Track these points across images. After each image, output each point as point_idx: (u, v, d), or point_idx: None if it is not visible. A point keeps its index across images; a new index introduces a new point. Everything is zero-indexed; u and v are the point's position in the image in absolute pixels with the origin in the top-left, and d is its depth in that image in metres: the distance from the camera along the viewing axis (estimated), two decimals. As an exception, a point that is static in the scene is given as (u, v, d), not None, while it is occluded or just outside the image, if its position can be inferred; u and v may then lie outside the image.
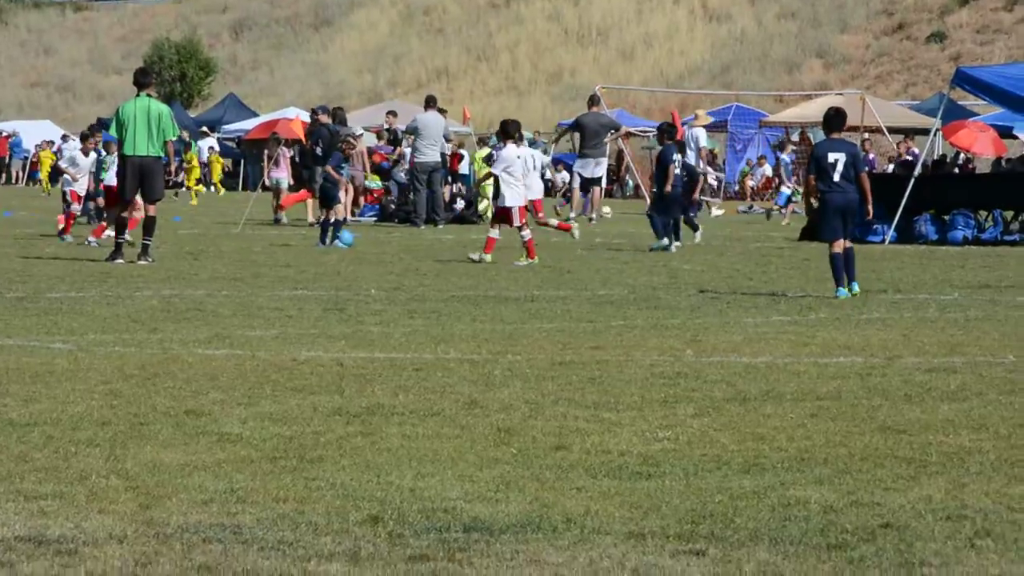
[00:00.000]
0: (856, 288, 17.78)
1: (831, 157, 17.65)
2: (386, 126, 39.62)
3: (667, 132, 27.30)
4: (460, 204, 36.62)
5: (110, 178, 26.59)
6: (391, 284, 18.95)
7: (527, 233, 22.68)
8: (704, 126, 40.69)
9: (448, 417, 9.55)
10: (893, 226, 29.01)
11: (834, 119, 18.02)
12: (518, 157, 22.85)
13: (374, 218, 35.84)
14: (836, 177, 17.57)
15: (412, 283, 19.19)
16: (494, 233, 22.86)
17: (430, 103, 34.94)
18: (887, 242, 28.75)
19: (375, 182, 36.49)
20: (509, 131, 23.29)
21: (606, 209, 38.82)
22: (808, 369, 11.84)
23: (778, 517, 7.06)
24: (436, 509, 7.12)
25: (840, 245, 17.67)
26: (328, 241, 25.70)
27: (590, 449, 8.58)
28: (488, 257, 22.55)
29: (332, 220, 26.03)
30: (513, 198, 22.61)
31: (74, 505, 7.12)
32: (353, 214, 32.88)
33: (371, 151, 37.17)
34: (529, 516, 7.00)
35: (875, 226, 29.21)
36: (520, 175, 22.71)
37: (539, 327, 14.58)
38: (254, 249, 25.19)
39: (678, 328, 14.61)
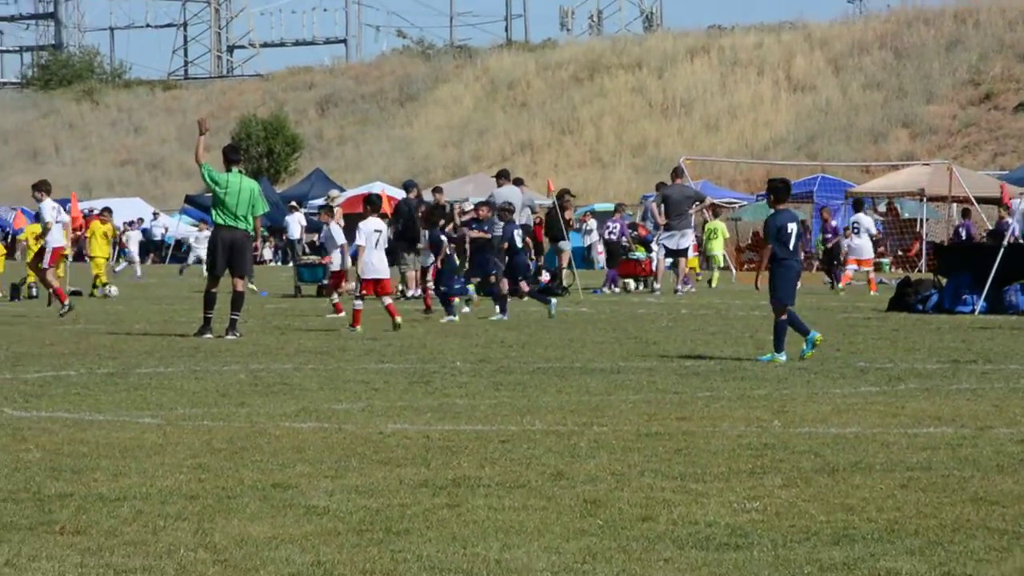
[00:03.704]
0: (818, 335, 18.66)
1: (789, 227, 18.55)
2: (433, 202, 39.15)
3: None
4: (545, 276, 36.66)
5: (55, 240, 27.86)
6: (476, 356, 18.97)
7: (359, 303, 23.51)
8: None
9: (534, 489, 9.52)
10: (983, 296, 28.75)
11: (783, 190, 18.93)
12: (375, 231, 23.78)
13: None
14: (791, 246, 18.53)
15: (497, 355, 19.20)
16: (359, 304, 23.51)
17: (503, 176, 34.93)
18: (977, 312, 28.49)
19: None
20: (374, 203, 24.40)
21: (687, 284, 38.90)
22: (898, 440, 11.73)
23: (869, 589, 6.98)
24: (523, 581, 7.09)
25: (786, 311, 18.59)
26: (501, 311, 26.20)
27: (677, 520, 8.53)
28: (359, 329, 23.05)
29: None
30: (367, 270, 23.61)
31: (163, 578, 7.15)
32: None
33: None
34: (616, 588, 6.95)
35: (965, 296, 28.97)
36: (370, 249, 23.69)
37: (625, 398, 14.54)
38: (341, 322, 25.29)
39: (765, 399, 14.53)
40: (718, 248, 44.02)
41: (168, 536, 8.07)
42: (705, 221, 48.86)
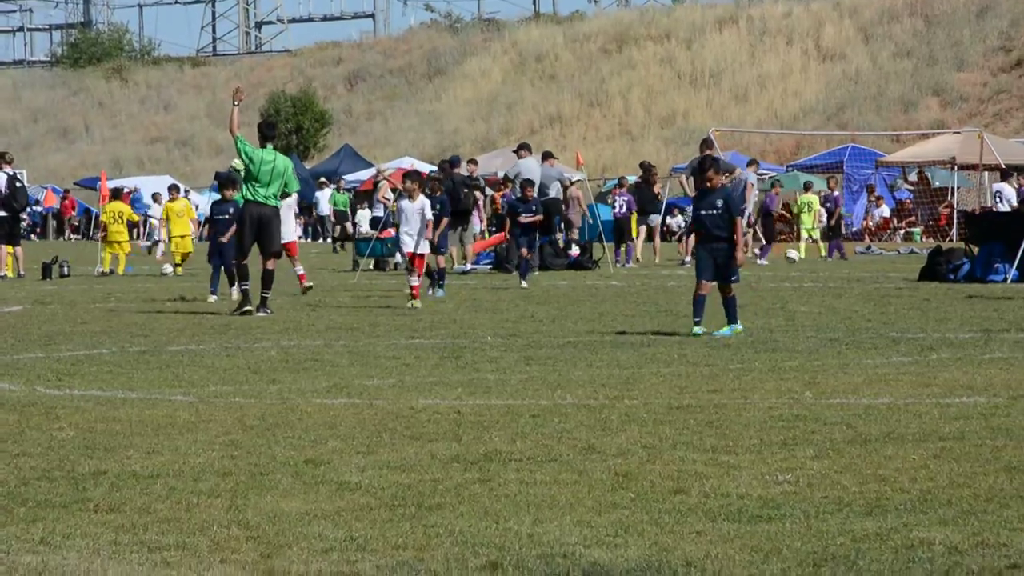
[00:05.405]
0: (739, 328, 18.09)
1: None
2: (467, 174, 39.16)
3: None
4: (575, 250, 36.63)
5: None
6: (507, 331, 18.98)
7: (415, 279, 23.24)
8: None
9: (565, 462, 9.53)
10: (1015, 265, 28.64)
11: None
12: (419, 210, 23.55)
13: (489, 266, 35.98)
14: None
15: (528, 329, 19.21)
16: (415, 280, 23.15)
17: (524, 149, 34.83)
18: (1009, 281, 28.38)
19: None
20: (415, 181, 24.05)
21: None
22: (930, 410, 11.70)
23: (902, 559, 6.97)
24: (555, 555, 7.10)
25: None
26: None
27: (709, 492, 8.53)
28: (418, 303, 22.82)
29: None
30: (417, 245, 23.31)
31: (196, 555, 7.18)
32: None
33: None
34: (648, 560, 6.96)
35: (996, 265, 28.85)
36: (414, 225, 23.30)
37: (656, 371, 14.53)
38: (370, 299, 25.34)
39: (796, 370, 14.51)
40: (809, 221, 43.52)
41: (201, 513, 8.10)
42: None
